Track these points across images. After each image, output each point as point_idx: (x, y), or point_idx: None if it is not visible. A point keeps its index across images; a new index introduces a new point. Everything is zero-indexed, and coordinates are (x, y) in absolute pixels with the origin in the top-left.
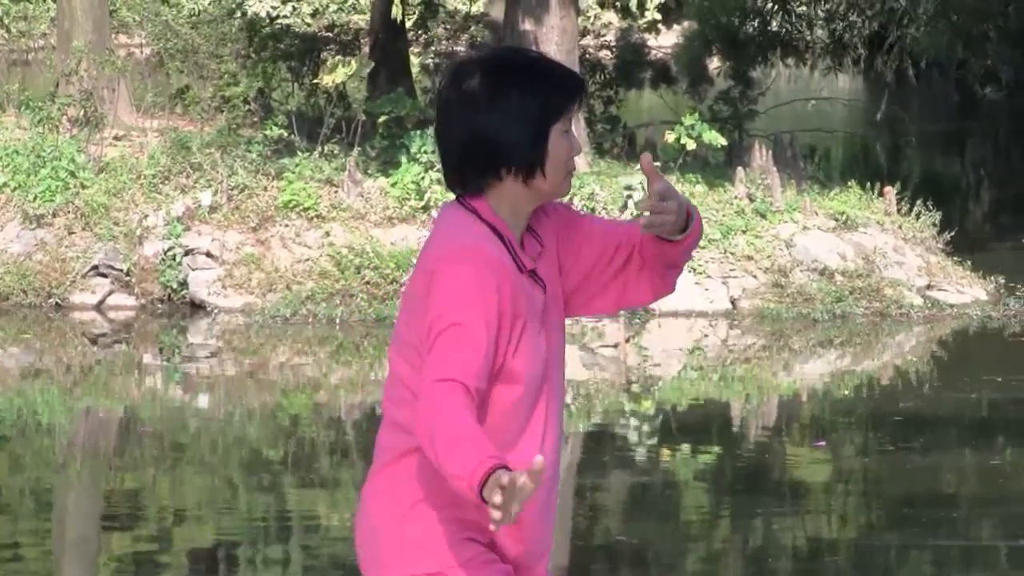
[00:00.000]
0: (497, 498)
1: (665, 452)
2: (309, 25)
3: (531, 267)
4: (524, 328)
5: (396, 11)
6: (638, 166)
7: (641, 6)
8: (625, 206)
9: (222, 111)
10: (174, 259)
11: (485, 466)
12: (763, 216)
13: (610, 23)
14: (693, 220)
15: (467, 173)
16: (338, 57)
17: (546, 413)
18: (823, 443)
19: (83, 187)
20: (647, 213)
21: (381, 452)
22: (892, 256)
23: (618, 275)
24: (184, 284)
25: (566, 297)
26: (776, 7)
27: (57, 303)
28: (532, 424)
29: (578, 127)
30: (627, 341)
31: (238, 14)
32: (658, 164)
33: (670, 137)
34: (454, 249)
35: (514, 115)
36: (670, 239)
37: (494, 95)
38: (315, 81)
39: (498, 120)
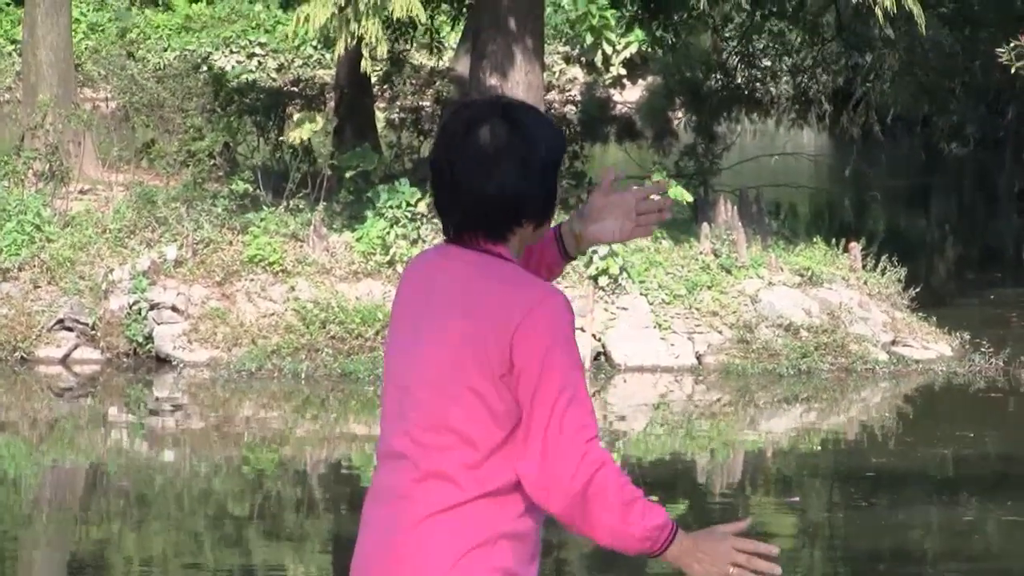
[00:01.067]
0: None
1: None
2: (274, 80)
3: None
4: None
5: (365, 65)
6: None
7: (606, 61)
8: (590, 261)
9: (188, 165)
10: (139, 313)
11: (671, 527)
12: (728, 272)
13: (575, 78)
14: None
15: (491, 223)
16: (304, 112)
17: None
18: (796, 499)
19: (49, 241)
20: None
21: (420, 502)
22: (857, 312)
23: None
24: (149, 338)
25: None
26: (740, 62)
27: (22, 357)
28: None
29: None
30: (593, 395)
31: (204, 68)
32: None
33: None
34: (542, 290)
35: (542, 165)
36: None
37: (524, 145)
38: (281, 136)
39: (529, 170)
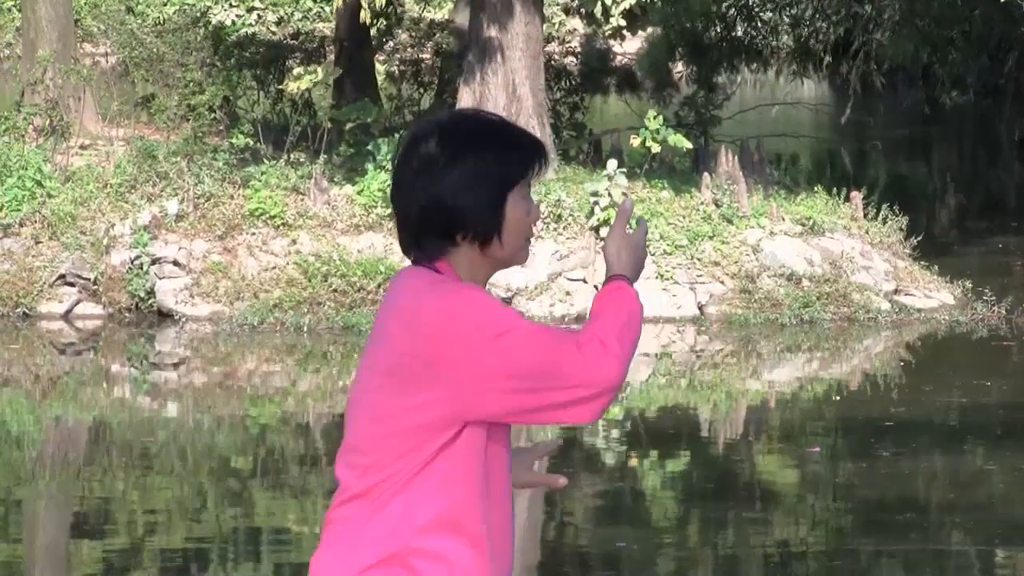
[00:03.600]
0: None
1: (634, 458)
2: (274, 33)
3: None
4: None
5: (364, 15)
6: (604, 172)
7: (606, 12)
8: (591, 212)
9: (188, 119)
10: (141, 268)
11: (624, 283)
12: (730, 222)
13: (575, 30)
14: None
15: (424, 239)
16: (303, 65)
17: (499, 490)
18: (816, 449)
19: (50, 196)
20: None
21: (333, 524)
22: (859, 261)
23: None
24: (151, 293)
25: None
26: (740, 13)
27: (24, 312)
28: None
29: (547, 143)
30: None
31: (203, 23)
32: (623, 170)
33: (636, 142)
34: (450, 290)
35: (470, 180)
36: None
37: (451, 159)
38: (280, 88)
39: (453, 185)
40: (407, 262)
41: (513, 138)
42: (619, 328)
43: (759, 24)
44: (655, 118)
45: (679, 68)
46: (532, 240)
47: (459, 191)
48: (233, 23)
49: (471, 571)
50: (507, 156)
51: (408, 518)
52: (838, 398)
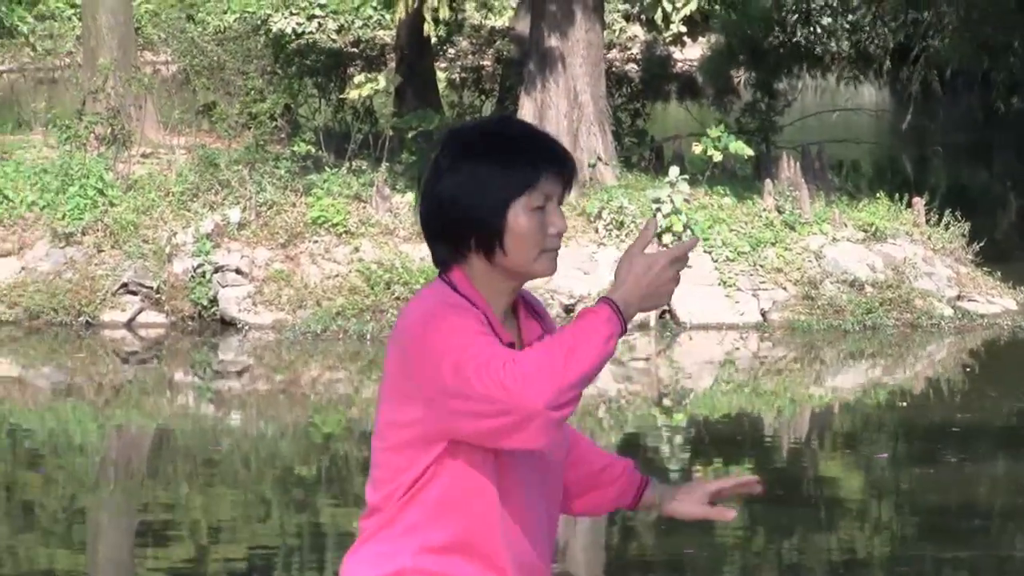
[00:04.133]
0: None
1: (698, 465)
2: (335, 41)
3: (508, 340)
4: None
5: (428, 28)
6: (666, 179)
7: (667, 19)
8: (654, 218)
9: (249, 128)
10: (204, 276)
11: (605, 308)
12: (792, 228)
13: (636, 36)
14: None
15: (434, 248)
16: (364, 73)
17: (526, 501)
18: (885, 455)
19: (112, 205)
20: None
21: (360, 533)
22: (922, 267)
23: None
24: (214, 301)
25: None
26: (800, 19)
27: (87, 321)
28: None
29: (609, 150)
30: (658, 354)
31: (263, 30)
32: (686, 177)
33: (697, 149)
34: (430, 307)
35: (469, 186)
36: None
37: (449, 167)
38: (342, 96)
39: (454, 190)
40: None
41: (526, 147)
42: (561, 357)
43: (819, 30)
44: (718, 126)
45: (740, 74)
46: (555, 251)
47: (453, 200)
48: (294, 31)
49: None
50: (509, 165)
51: (411, 536)
52: (902, 404)
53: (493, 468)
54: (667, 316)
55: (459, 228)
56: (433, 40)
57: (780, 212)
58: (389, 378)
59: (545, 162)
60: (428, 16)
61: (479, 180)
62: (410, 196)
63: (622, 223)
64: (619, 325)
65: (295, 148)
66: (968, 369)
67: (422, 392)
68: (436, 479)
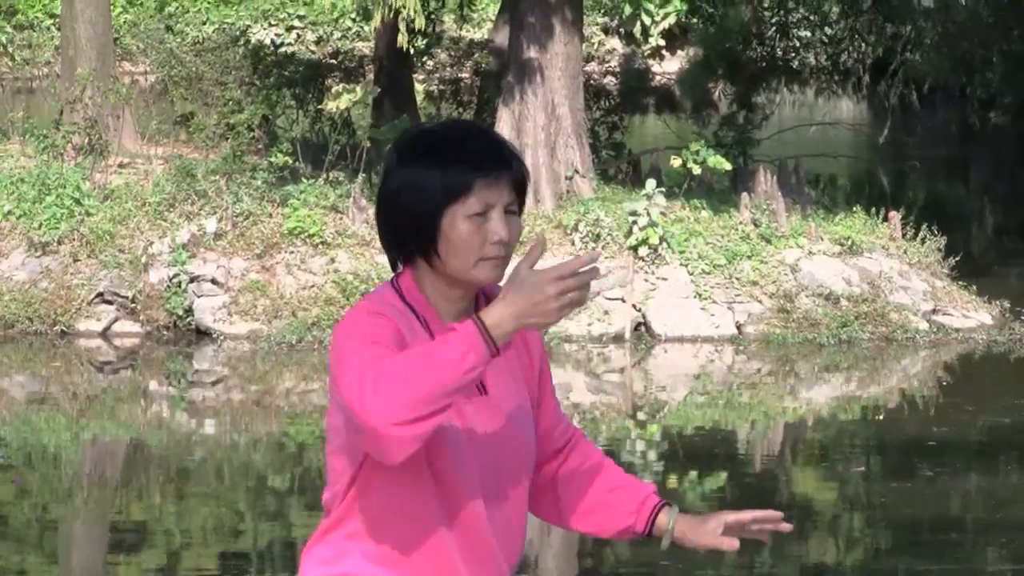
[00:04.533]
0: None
1: (672, 478)
2: (313, 52)
3: None
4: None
5: (402, 40)
6: (643, 191)
7: (645, 33)
8: (630, 232)
9: (227, 138)
10: (179, 286)
11: (469, 325)
12: (768, 241)
13: (614, 49)
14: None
15: (385, 248)
16: (343, 84)
17: (457, 512)
18: (861, 469)
19: (88, 215)
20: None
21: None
22: (897, 281)
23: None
24: (190, 311)
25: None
26: (778, 32)
27: (62, 330)
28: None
29: (586, 162)
30: (633, 366)
31: (242, 41)
32: (662, 190)
33: (675, 162)
34: (356, 314)
35: (405, 190)
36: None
37: (385, 173)
38: (320, 108)
39: (391, 194)
40: None
41: (460, 151)
42: (413, 372)
43: (796, 43)
44: (697, 140)
45: (718, 87)
46: (496, 260)
47: (394, 201)
48: (272, 42)
49: None
50: (448, 169)
51: (354, 542)
52: (876, 418)
53: (428, 477)
54: (642, 328)
55: (399, 231)
56: (411, 52)
57: (756, 225)
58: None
59: (482, 169)
60: (403, 27)
61: (414, 184)
62: None
63: (599, 235)
64: (480, 343)
65: (272, 159)
66: (943, 383)
67: (337, 399)
68: (371, 486)
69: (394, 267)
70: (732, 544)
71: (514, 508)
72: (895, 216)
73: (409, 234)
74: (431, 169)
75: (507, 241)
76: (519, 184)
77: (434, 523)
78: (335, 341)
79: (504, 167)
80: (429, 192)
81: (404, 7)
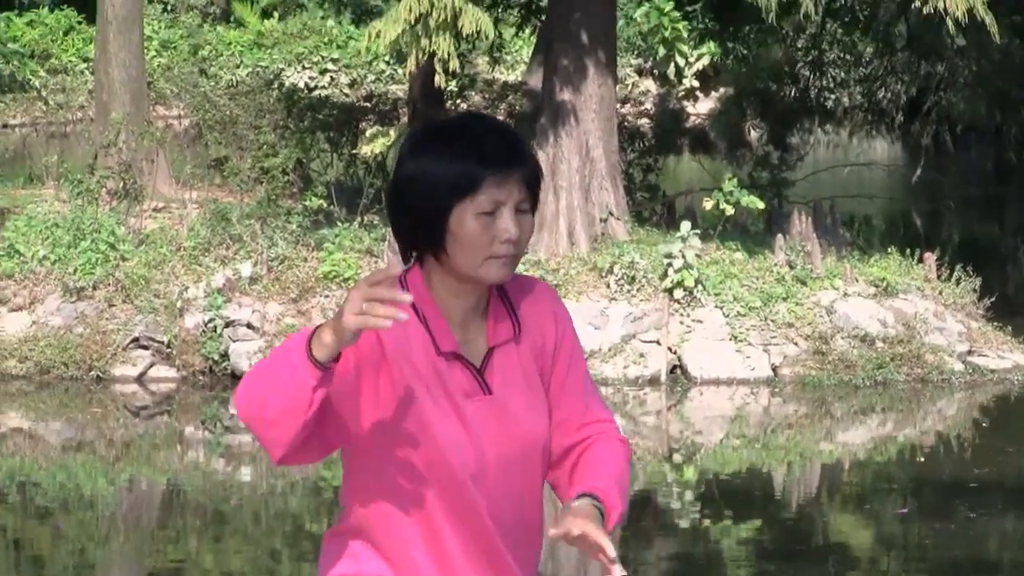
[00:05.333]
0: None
1: (708, 521)
2: (347, 95)
3: (450, 349)
4: (406, 397)
5: (440, 80)
6: (678, 233)
7: (679, 73)
8: (665, 274)
9: (261, 182)
10: (215, 331)
11: (306, 331)
12: (803, 283)
13: (648, 91)
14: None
15: (396, 239)
16: (377, 127)
17: (458, 510)
18: (905, 511)
19: (123, 259)
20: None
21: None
22: (933, 322)
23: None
24: (225, 356)
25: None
26: (812, 73)
27: (98, 376)
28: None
29: (621, 204)
30: (669, 409)
31: (276, 85)
32: (697, 232)
33: (709, 204)
34: None
35: (415, 187)
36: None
37: (404, 164)
38: (354, 152)
39: (402, 191)
40: None
41: (471, 148)
42: (256, 367)
43: (831, 83)
44: (730, 180)
45: (752, 127)
46: (505, 258)
47: (405, 197)
48: (306, 85)
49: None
50: (458, 166)
51: (353, 539)
52: (913, 460)
53: (425, 477)
54: (677, 371)
55: (408, 225)
56: (445, 94)
57: (791, 267)
58: None
59: (493, 165)
60: (439, 67)
61: (423, 178)
62: None
63: (633, 278)
64: (304, 342)
65: (307, 203)
66: (979, 424)
67: None
68: (368, 486)
69: (406, 258)
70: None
71: (527, 506)
72: (930, 257)
73: (418, 228)
74: (441, 164)
75: (517, 240)
76: (532, 181)
77: (433, 522)
78: None
79: (516, 164)
80: (438, 188)
81: (439, 48)
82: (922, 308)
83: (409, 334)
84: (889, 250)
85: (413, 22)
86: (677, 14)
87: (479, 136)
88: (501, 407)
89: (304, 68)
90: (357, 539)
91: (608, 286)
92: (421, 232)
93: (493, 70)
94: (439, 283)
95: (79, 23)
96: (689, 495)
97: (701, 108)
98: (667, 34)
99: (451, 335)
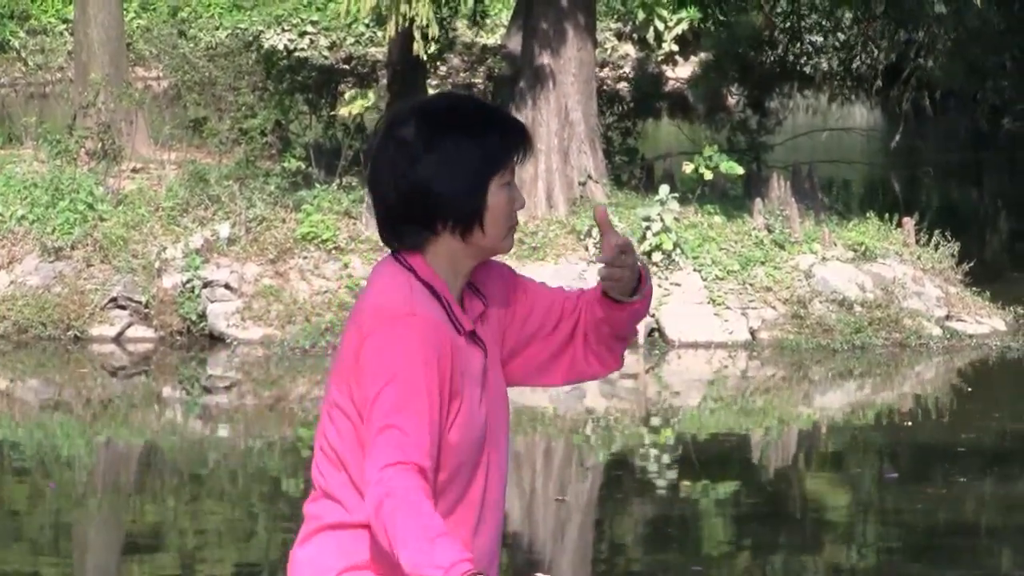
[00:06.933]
0: None
1: (685, 484)
2: (326, 58)
3: (470, 328)
4: (463, 397)
5: (418, 48)
6: (657, 197)
7: (658, 38)
8: (644, 237)
9: (240, 143)
10: (193, 291)
11: (460, 571)
12: (782, 247)
13: (627, 55)
14: (646, 284)
15: (403, 228)
16: (356, 89)
17: (484, 485)
18: (895, 475)
19: (101, 220)
20: (603, 266)
21: (311, 519)
22: (911, 287)
23: (564, 349)
24: (203, 316)
25: (511, 365)
26: (790, 39)
27: (76, 336)
28: (468, 499)
29: (600, 168)
30: (647, 372)
31: (255, 46)
32: (676, 195)
33: (688, 168)
34: (389, 310)
35: (450, 165)
36: (620, 300)
37: (429, 144)
38: (333, 113)
39: (433, 171)
40: None
41: (493, 122)
42: (396, 540)
43: (809, 49)
44: (710, 147)
45: (731, 91)
46: (515, 227)
47: (438, 177)
48: (285, 47)
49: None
50: (487, 140)
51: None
52: (890, 423)
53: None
54: (656, 334)
55: (439, 209)
56: (424, 57)
57: (770, 231)
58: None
59: (514, 139)
60: (417, 35)
61: (459, 160)
62: None
63: None
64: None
65: (285, 164)
66: (957, 389)
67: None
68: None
69: (404, 245)
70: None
71: (500, 488)
72: (908, 222)
73: (455, 210)
74: (473, 143)
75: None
76: (526, 153)
77: (469, 508)
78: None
79: (525, 135)
80: (477, 166)
81: (418, 15)
82: (900, 273)
83: (442, 322)
84: (868, 215)
85: None
86: None
87: (488, 110)
88: (498, 385)
89: (283, 30)
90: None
91: (587, 249)
92: (458, 214)
93: (476, 34)
94: (448, 265)
95: None
96: (666, 458)
97: (680, 72)
98: None
99: (465, 315)
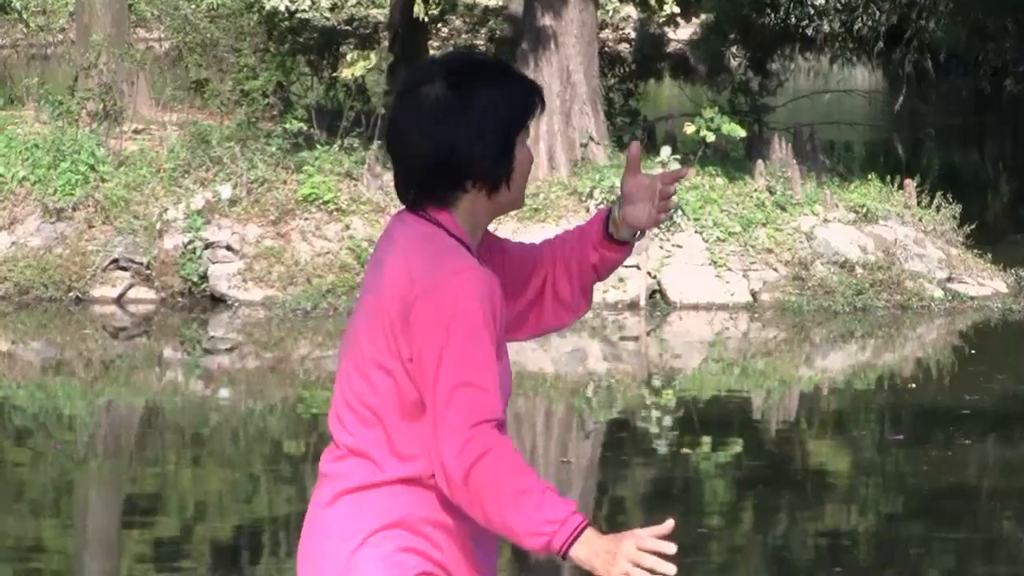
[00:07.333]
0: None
1: (686, 445)
2: (328, 19)
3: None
4: (503, 351)
5: (419, 10)
6: (658, 158)
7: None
8: None
9: (241, 104)
10: (194, 252)
11: (575, 523)
12: (783, 209)
13: (629, 16)
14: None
15: (431, 186)
16: (357, 51)
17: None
18: (900, 437)
19: (103, 181)
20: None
21: (338, 478)
22: (912, 249)
23: (532, 305)
24: (204, 277)
25: None
26: (793, 1)
27: (77, 297)
28: None
29: (601, 129)
30: (648, 333)
31: (256, 8)
32: (677, 157)
33: (689, 129)
34: (440, 266)
35: (484, 124)
36: (623, 240)
37: (461, 103)
38: (334, 75)
39: (468, 130)
40: None
41: (516, 80)
42: (508, 494)
43: (811, 10)
44: (711, 108)
45: (733, 54)
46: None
47: (475, 136)
48: (287, 8)
49: None
50: (515, 98)
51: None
52: (891, 385)
53: None
54: (657, 296)
55: (473, 168)
56: (425, 19)
57: (771, 193)
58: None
59: (534, 96)
60: None
61: (493, 118)
62: None
63: (613, 202)
64: (559, 538)
65: (287, 125)
66: (958, 351)
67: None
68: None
69: (431, 201)
70: (658, 213)
71: None
72: (910, 184)
73: (488, 166)
74: (506, 100)
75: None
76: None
77: None
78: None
79: (540, 93)
80: (508, 122)
81: None
82: (902, 234)
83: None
84: (869, 177)
85: None
86: None
87: (508, 67)
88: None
89: None
90: (431, 491)
91: (588, 210)
92: (491, 170)
93: None
94: (472, 222)
95: None
96: (668, 420)
97: (682, 34)
98: None
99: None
